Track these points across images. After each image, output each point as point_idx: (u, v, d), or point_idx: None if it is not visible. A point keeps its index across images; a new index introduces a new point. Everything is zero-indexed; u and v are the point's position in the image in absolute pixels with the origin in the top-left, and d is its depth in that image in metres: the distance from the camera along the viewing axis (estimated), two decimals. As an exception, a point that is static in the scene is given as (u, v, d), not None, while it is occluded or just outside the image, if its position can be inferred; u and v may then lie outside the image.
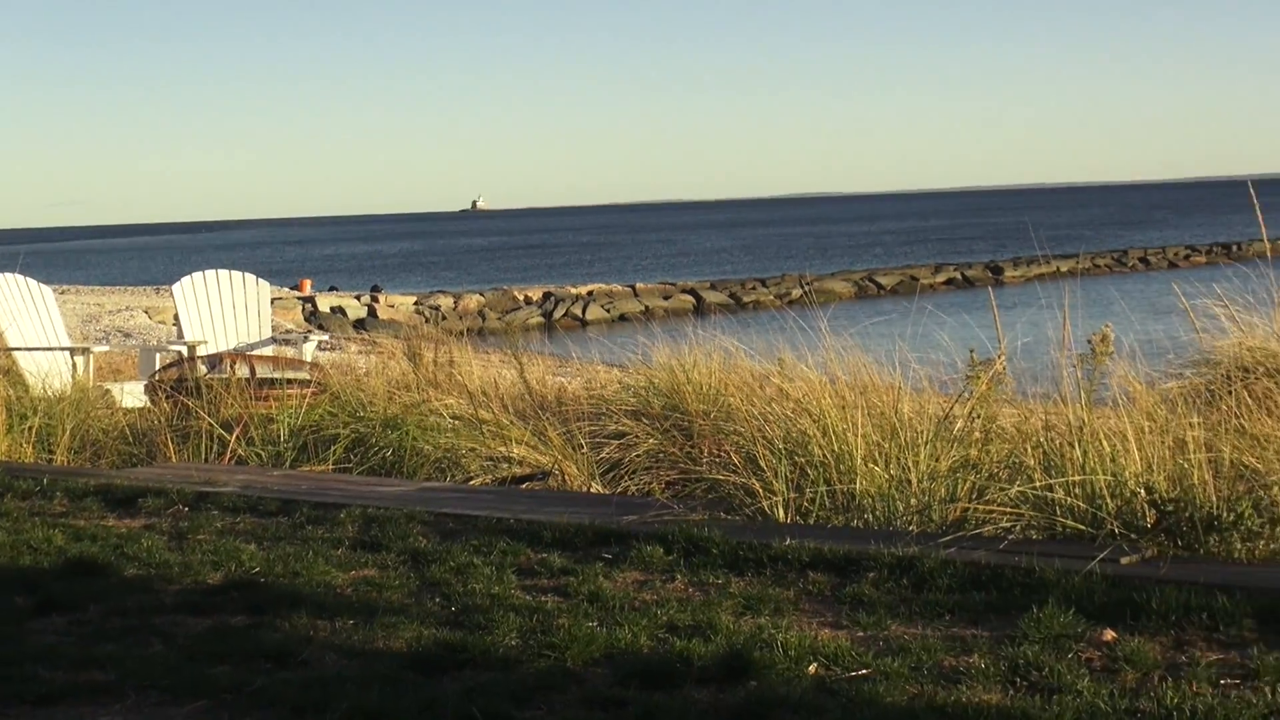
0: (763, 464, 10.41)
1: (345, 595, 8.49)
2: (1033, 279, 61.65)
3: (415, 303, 57.91)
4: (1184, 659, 6.86)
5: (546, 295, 59.58)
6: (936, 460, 10.15)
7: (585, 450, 12.48)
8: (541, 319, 55.60)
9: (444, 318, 48.90)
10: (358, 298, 59.25)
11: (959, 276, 66.87)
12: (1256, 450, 9.36)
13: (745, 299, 58.98)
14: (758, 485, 10.33)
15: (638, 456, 12.23)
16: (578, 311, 56.71)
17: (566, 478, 12.37)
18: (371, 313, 55.58)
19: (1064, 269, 58.83)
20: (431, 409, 13.80)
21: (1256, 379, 10.68)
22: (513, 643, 7.40)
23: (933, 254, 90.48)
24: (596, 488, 12.22)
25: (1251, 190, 13.57)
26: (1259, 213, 12.54)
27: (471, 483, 12.56)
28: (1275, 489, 8.87)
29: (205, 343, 18.10)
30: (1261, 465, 9.20)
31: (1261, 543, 8.64)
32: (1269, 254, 12.33)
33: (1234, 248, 76.18)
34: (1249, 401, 9.95)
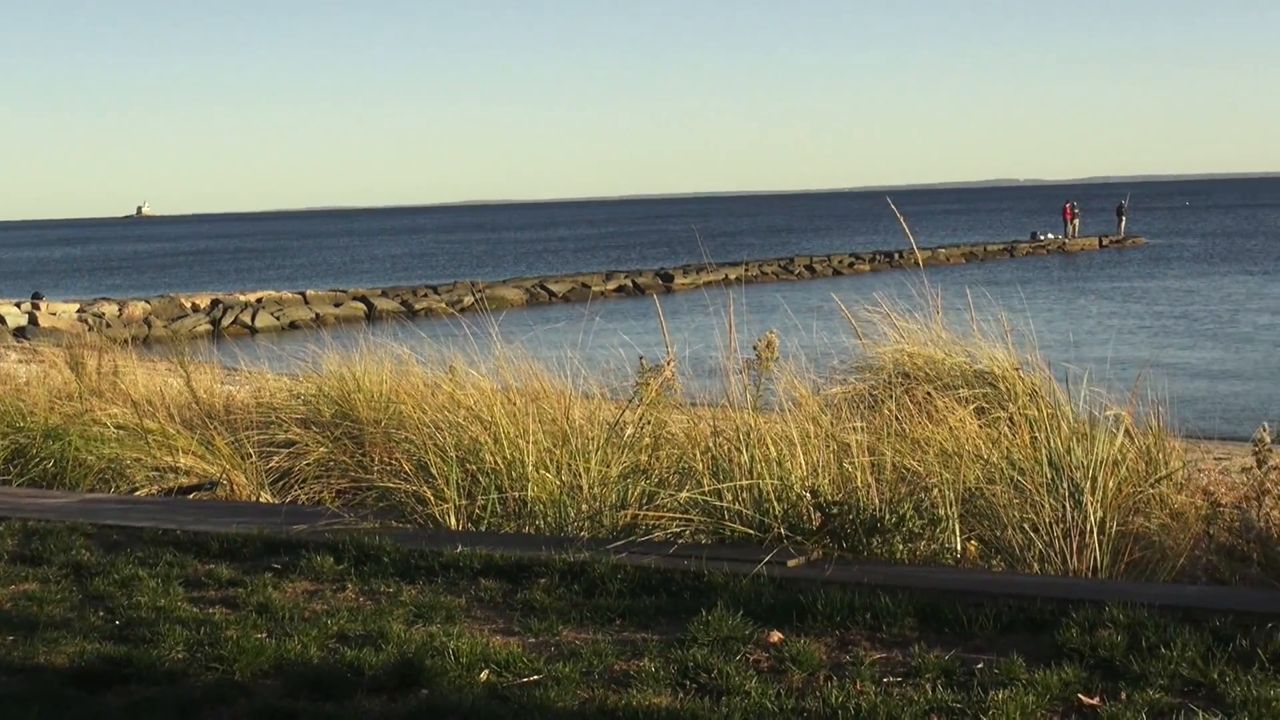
0: (435, 471, 10.36)
1: (4, 610, 8.22)
2: (702, 286, 62.60)
3: (79, 310, 56.31)
4: (848, 658, 7.01)
5: (215, 303, 58.41)
6: (608, 466, 10.22)
7: (254, 459, 12.29)
8: (209, 326, 54.53)
9: (109, 325, 47.68)
10: (18, 305, 57.36)
11: (630, 284, 67.39)
12: (917, 454, 9.62)
13: (417, 306, 58.63)
14: (429, 493, 10.28)
15: (308, 465, 12.09)
16: (247, 319, 55.74)
17: (235, 487, 12.16)
18: (33, 320, 53.89)
19: (732, 276, 59.75)
20: (95, 419, 13.45)
21: (917, 384, 10.98)
22: (179, 656, 7.25)
23: (605, 261, 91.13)
24: (266, 497, 12.04)
25: (892, 204, 13.95)
26: (904, 224, 12.89)
27: (137, 493, 12.29)
28: (935, 491, 9.12)
29: None
30: (922, 468, 9.46)
31: (922, 543, 8.88)
32: (921, 263, 12.70)
33: (895, 255, 78.20)
34: (910, 406, 10.22)
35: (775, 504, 9.28)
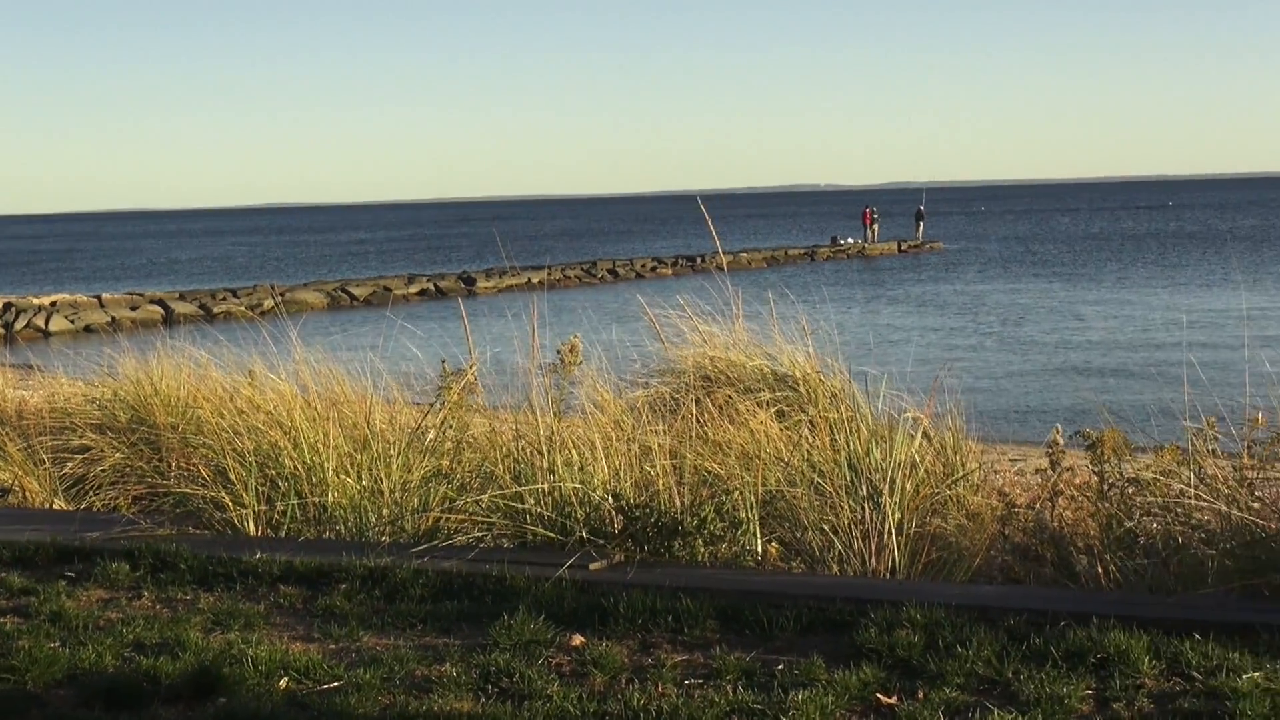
0: (233, 477, 10.23)
1: None
2: (505, 290, 62.55)
3: None
4: (650, 661, 7.03)
5: (7, 306, 57.16)
6: (409, 471, 10.16)
7: (47, 466, 12.03)
8: (1, 330, 53.38)
9: (-109, 331, 46.41)
10: None
11: (432, 287, 67.04)
12: (719, 457, 9.68)
13: (216, 310, 57.82)
14: (228, 499, 10.15)
15: (103, 471, 11.87)
16: (40, 323, 54.62)
17: (27, 494, 11.89)
18: None
19: (535, 280, 59.74)
20: (-122, 426, 13.07)
21: (719, 387, 11.04)
22: (-32, 667, 7.08)
23: (407, 264, 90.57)
24: (59, 504, 11.79)
25: (702, 205, 14.04)
26: (711, 227, 12.98)
27: (-78, 502, 11.96)
28: (736, 494, 9.17)
29: None
30: (723, 471, 9.52)
31: (724, 545, 8.93)
32: (724, 267, 12.78)
33: (698, 260, 78.61)
34: (711, 409, 10.28)
35: (577, 507, 9.29)
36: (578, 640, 7.30)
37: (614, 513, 9.04)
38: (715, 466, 9.59)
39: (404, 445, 10.34)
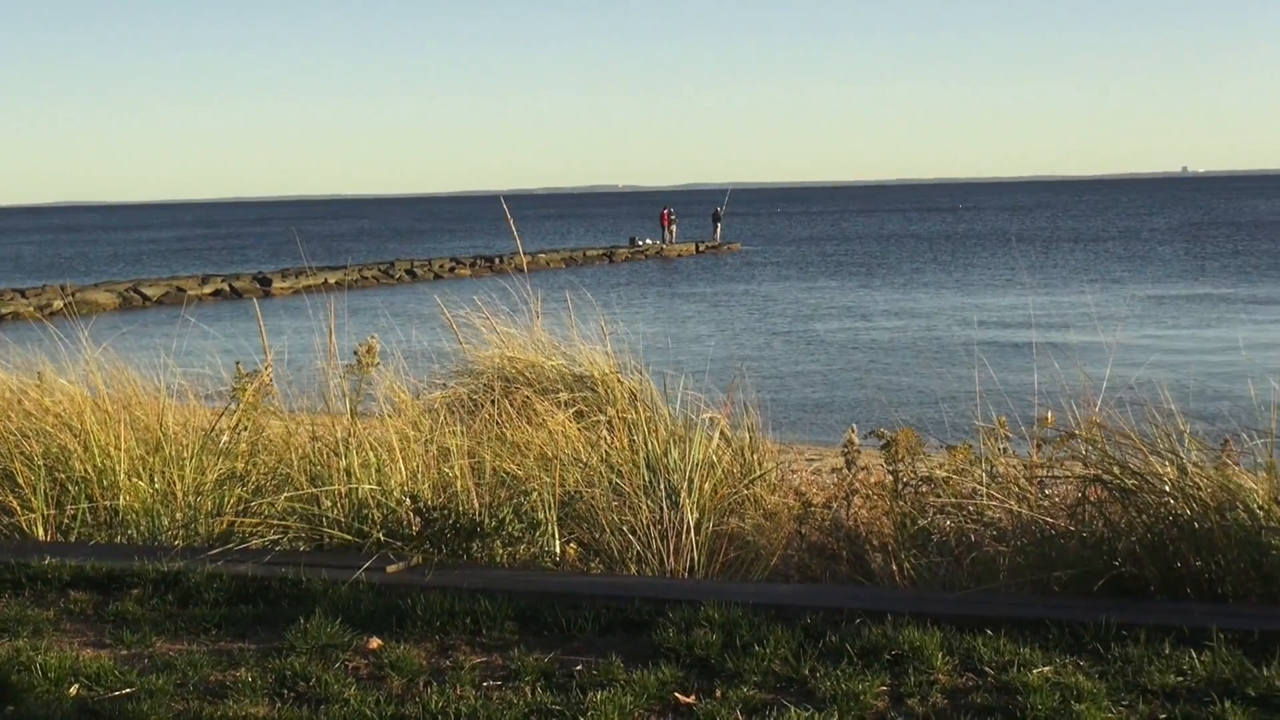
0: (21, 480, 10.01)
1: None
2: (301, 290, 61.86)
3: None
4: (448, 663, 7.00)
5: None
6: (203, 474, 10.02)
7: None
8: None
9: None
10: None
11: (227, 288, 66.16)
12: (517, 458, 9.67)
13: (2, 311, 56.58)
14: (15, 503, 9.93)
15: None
16: None
17: None
18: None
19: (332, 280, 59.29)
20: None
21: (517, 388, 11.01)
22: None
23: (201, 264, 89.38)
24: None
25: (505, 205, 14.03)
26: (513, 226, 12.97)
27: None
28: (535, 495, 9.16)
29: None
30: (522, 472, 9.51)
31: (522, 547, 8.92)
32: (524, 267, 12.77)
33: (497, 260, 78.50)
34: (510, 410, 10.26)
35: (374, 509, 9.22)
36: (375, 643, 7.24)
37: (412, 514, 8.99)
38: (514, 468, 9.58)
39: (198, 448, 10.19)
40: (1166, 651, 6.70)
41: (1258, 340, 34.75)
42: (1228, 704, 6.11)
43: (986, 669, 6.65)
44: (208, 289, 66.32)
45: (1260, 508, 7.92)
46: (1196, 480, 8.05)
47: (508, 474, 9.56)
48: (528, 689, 6.60)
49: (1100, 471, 8.42)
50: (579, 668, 6.83)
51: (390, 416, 9.97)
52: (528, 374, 11.51)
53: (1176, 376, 10.36)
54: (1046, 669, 6.58)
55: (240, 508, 9.78)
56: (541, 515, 9.07)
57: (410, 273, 75.60)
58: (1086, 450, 8.62)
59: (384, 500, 9.26)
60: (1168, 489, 8.10)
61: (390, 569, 8.52)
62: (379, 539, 9.00)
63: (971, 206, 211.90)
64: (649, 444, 9.50)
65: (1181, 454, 8.21)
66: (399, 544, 8.92)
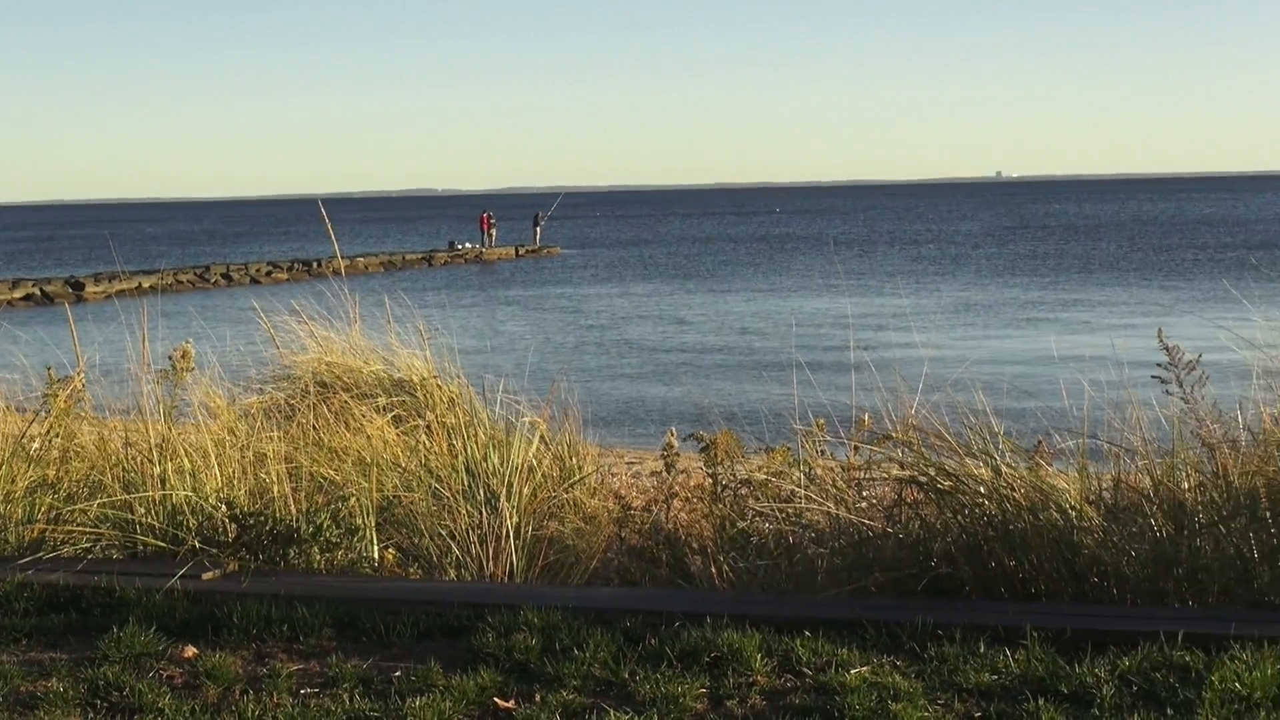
0: None
1: None
2: (115, 295, 60.82)
3: None
4: (265, 671, 6.92)
5: None
6: (13, 481, 9.81)
7: None
8: None
9: None
10: None
11: (38, 292, 64.92)
12: (335, 463, 9.58)
13: None
14: None
15: None
16: None
17: None
18: None
19: (147, 285, 58.39)
20: None
21: (335, 393, 10.91)
22: None
23: (10, 268, 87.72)
24: None
25: (321, 208, 13.91)
26: (330, 230, 12.87)
27: None
28: (353, 500, 9.10)
29: None
30: (340, 477, 9.43)
31: (340, 553, 8.85)
32: (342, 271, 12.67)
33: (314, 264, 77.81)
34: (327, 415, 10.18)
35: (190, 516, 9.09)
36: (190, 652, 7.15)
37: (228, 521, 8.88)
38: (332, 473, 9.49)
39: (8, 455, 9.97)
40: (982, 650, 6.80)
41: (1067, 341, 35.40)
42: (1041, 701, 6.22)
43: (805, 670, 6.70)
44: (18, 293, 65.02)
45: (1072, 507, 8.07)
46: (1010, 481, 8.18)
47: (325, 479, 9.48)
48: (346, 696, 6.56)
49: (916, 473, 8.53)
50: (397, 674, 6.80)
51: (206, 422, 9.84)
52: (346, 379, 11.40)
53: (990, 378, 10.53)
54: (864, 669, 6.65)
55: (52, 515, 9.58)
56: (360, 521, 9.01)
57: (226, 276, 74.69)
58: (903, 452, 8.73)
59: (200, 507, 9.13)
60: (982, 490, 8.23)
61: (206, 576, 8.40)
62: (195, 546, 8.88)
63: (790, 210, 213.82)
64: (468, 448, 9.47)
65: (996, 455, 8.34)
66: (215, 551, 8.81)
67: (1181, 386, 8.52)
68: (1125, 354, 9.29)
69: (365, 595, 7.96)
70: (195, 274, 74.32)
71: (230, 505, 8.96)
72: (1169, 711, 6.12)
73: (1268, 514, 7.91)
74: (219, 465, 9.37)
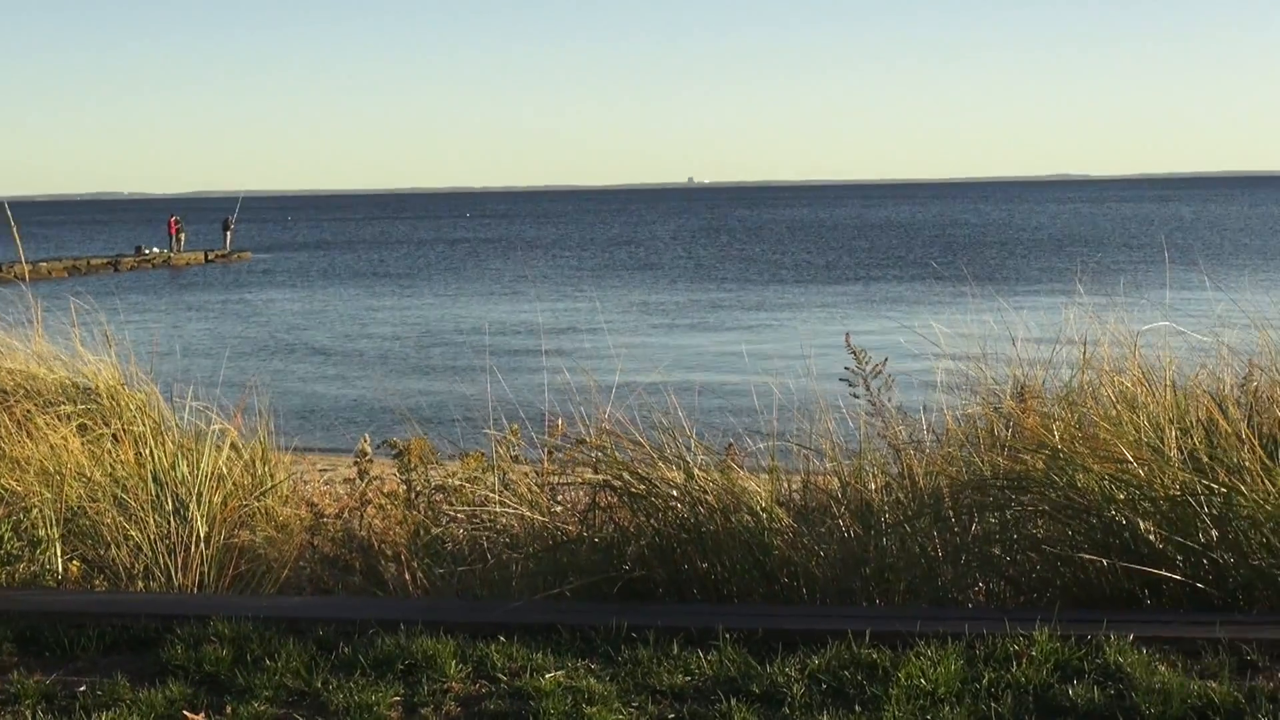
0: None
1: None
2: None
3: None
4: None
5: None
6: None
7: None
8: None
9: None
10: None
11: None
12: (17, 473, 9.31)
13: None
14: None
15: None
16: None
17: None
18: None
19: None
20: None
21: (17, 401, 10.61)
22: None
23: None
24: None
25: (9, 212, 13.52)
26: (16, 233, 12.52)
27: None
28: (36, 512, 8.86)
29: None
30: (22, 488, 9.16)
31: (22, 565, 8.62)
32: (25, 276, 12.33)
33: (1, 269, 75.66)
34: (9, 424, 9.88)
35: None
36: None
37: None
38: (14, 484, 9.22)
39: None
40: (675, 652, 6.88)
41: (756, 343, 35.98)
42: (733, 701, 6.31)
43: (500, 675, 6.71)
44: None
45: (763, 509, 8.21)
46: (703, 484, 8.29)
47: (6, 490, 9.20)
48: (28, 713, 6.38)
49: (610, 477, 8.59)
50: (82, 689, 6.64)
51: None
52: (29, 386, 11.09)
53: (682, 381, 10.65)
54: (559, 673, 6.68)
55: None
56: (43, 532, 8.77)
57: (-100, 281, 72.10)
58: (597, 457, 8.78)
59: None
60: (675, 493, 8.32)
61: (-123, 593, 8.11)
62: None
63: (481, 215, 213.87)
64: (156, 457, 9.28)
65: (688, 458, 8.44)
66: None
67: (869, 389, 8.73)
68: (814, 356, 9.48)
69: (48, 609, 7.75)
70: None
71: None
72: (857, 709, 6.26)
73: (951, 513, 8.15)
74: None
